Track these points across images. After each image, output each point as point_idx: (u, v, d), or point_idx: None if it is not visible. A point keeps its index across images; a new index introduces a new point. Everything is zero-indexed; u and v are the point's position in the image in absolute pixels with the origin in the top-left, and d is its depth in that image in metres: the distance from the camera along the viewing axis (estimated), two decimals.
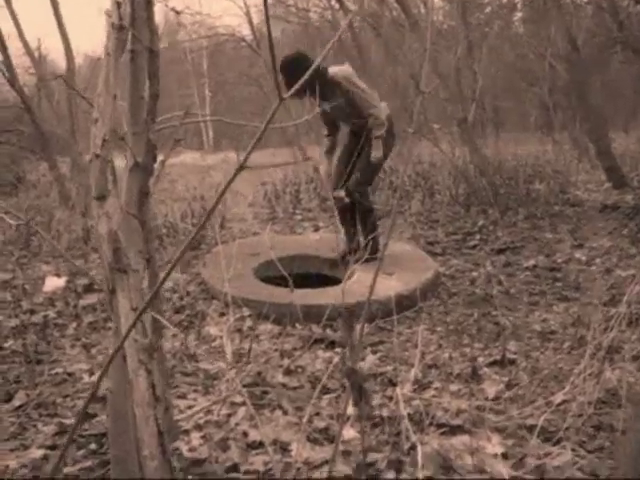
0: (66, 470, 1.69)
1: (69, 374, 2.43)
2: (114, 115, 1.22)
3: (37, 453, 1.82)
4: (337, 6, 11.55)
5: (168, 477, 0.81)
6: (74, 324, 2.96)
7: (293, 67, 3.34)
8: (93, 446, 1.88)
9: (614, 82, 13.44)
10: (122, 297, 0.90)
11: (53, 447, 1.88)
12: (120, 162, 1.39)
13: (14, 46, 8.40)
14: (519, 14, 13.70)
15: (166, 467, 0.81)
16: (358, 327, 1.08)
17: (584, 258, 4.10)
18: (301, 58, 3.52)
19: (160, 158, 1.60)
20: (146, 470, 0.80)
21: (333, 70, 3.63)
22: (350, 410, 2.02)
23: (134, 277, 0.94)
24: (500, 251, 4.40)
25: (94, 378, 2.34)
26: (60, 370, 2.46)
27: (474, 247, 4.58)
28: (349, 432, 1.93)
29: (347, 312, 0.98)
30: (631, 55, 10.37)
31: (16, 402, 2.15)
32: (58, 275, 3.66)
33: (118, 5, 1.26)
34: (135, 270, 0.95)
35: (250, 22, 12.05)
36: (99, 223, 1.00)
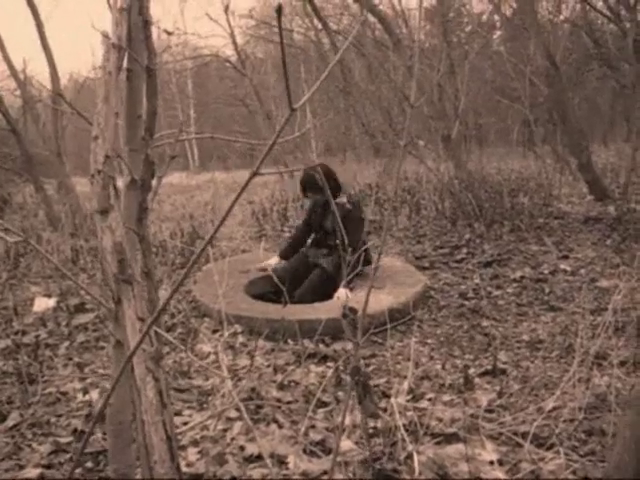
0: None
1: (62, 393, 2.42)
2: (115, 132, 1.25)
3: (33, 472, 1.81)
4: (320, 26, 11.74)
5: None
6: (66, 343, 2.94)
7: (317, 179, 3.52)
8: (90, 464, 1.88)
9: (592, 97, 13.77)
10: (128, 307, 0.92)
11: (49, 466, 1.87)
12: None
13: None
14: (499, 33, 14.02)
15: (175, 471, 0.83)
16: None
17: (569, 269, 4.17)
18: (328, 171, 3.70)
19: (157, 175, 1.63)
20: (155, 475, 0.81)
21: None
22: (346, 421, 2.04)
23: (139, 288, 0.96)
24: (487, 264, 4.45)
25: (88, 397, 2.33)
26: (53, 390, 2.44)
27: (461, 260, 4.63)
28: (346, 443, 1.94)
29: (351, 312, 1.01)
30: (607, 71, 10.66)
31: (10, 422, 2.13)
32: (48, 295, 3.64)
33: (117, 25, 1.29)
34: (139, 281, 0.98)
35: (234, 42, 12.16)
36: (103, 236, 1.02)
